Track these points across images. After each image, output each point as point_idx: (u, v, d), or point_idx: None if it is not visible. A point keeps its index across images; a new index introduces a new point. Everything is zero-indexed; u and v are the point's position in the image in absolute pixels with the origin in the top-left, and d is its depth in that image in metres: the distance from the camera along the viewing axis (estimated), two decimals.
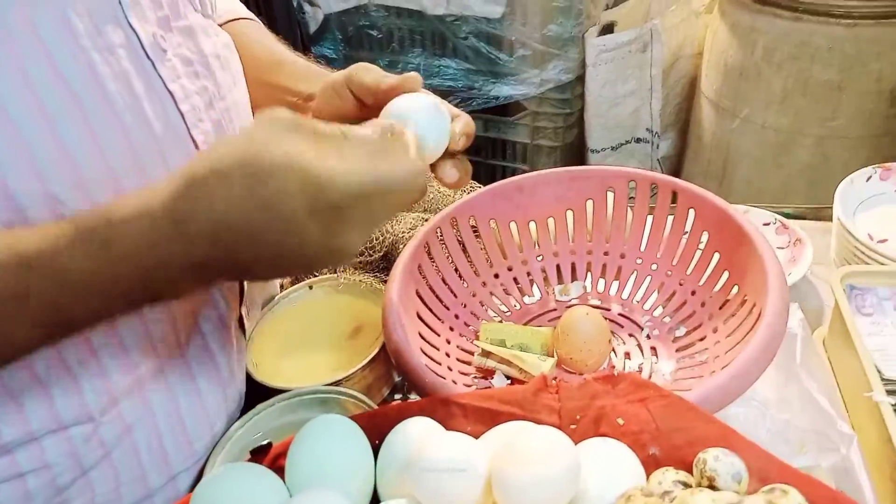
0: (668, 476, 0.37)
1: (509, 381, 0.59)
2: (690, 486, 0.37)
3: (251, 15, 0.71)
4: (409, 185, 0.39)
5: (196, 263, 0.37)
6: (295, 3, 1.73)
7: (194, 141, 0.48)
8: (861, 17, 1.29)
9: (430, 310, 0.63)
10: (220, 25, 0.66)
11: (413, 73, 0.50)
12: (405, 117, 0.45)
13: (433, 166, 0.50)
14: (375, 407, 0.53)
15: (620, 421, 0.42)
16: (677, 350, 0.61)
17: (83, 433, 0.48)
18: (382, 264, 0.71)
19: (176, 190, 0.36)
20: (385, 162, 0.39)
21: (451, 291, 0.66)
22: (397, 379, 0.64)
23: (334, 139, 0.39)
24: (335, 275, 0.70)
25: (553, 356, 0.61)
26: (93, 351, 0.46)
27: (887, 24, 1.29)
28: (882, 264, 0.63)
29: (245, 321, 0.62)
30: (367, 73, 0.52)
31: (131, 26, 0.44)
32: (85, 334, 0.44)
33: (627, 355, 0.62)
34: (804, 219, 0.81)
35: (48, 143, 0.39)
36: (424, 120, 0.47)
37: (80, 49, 0.41)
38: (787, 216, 0.78)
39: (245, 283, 0.60)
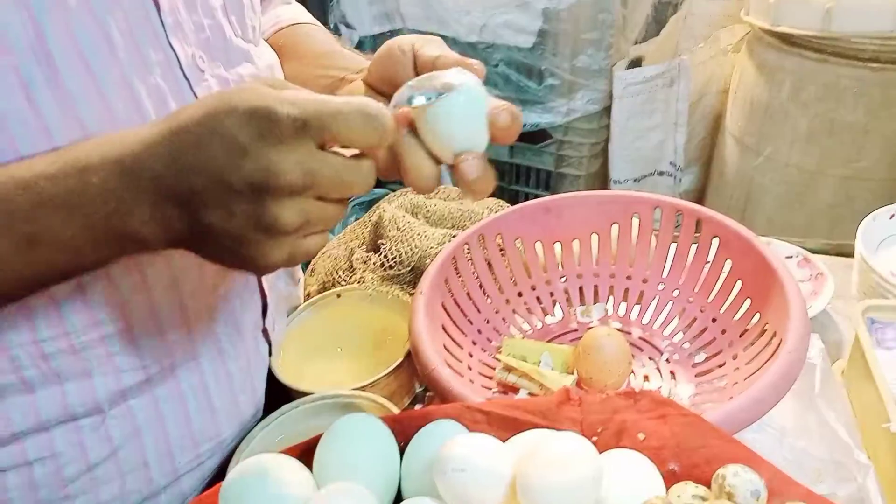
0: (687, 490, 0.38)
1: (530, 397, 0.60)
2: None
3: (315, 21, 0.72)
4: (356, 123, 0.37)
5: (155, 176, 0.37)
6: (331, 25, 1.78)
7: None
8: (888, 62, 1.30)
9: (455, 323, 0.64)
10: (283, 29, 0.69)
11: (475, 61, 0.47)
12: (436, 95, 0.41)
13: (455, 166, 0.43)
14: (399, 412, 0.55)
15: (641, 436, 0.43)
16: (696, 375, 0.62)
17: (92, 423, 0.49)
18: (409, 277, 0.72)
19: (158, 128, 0.37)
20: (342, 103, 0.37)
21: (476, 307, 0.67)
22: (418, 389, 0.66)
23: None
24: (363, 285, 0.72)
25: (573, 375, 0.62)
26: (108, 352, 0.48)
27: None
28: None
29: (270, 334, 0.63)
30: (432, 44, 0.50)
31: (172, 47, 0.47)
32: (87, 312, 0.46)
33: (647, 378, 0.63)
34: (826, 254, 0.81)
35: None
36: (457, 106, 0.41)
37: (118, 64, 0.43)
38: (810, 250, 0.79)
39: (267, 293, 0.61)
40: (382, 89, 0.52)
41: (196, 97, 0.48)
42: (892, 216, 0.76)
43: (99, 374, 0.48)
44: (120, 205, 0.37)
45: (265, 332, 0.62)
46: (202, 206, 0.37)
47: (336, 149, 0.38)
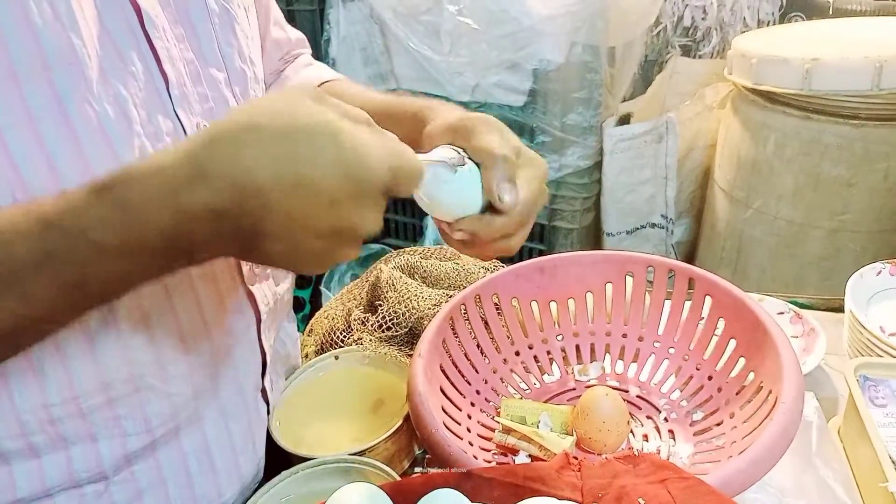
0: None
1: (530, 460, 0.60)
2: None
3: (340, 76, 0.74)
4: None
5: (213, 211, 0.35)
6: None
7: None
8: (868, 118, 1.34)
9: (453, 384, 0.65)
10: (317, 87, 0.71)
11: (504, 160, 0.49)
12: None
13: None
14: (398, 478, 0.55)
15: (641, 501, 0.43)
16: (695, 434, 0.62)
17: (95, 490, 0.49)
18: (407, 339, 0.73)
19: (199, 140, 0.36)
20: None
21: (474, 367, 0.68)
22: (418, 452, 0.66)
23: (359, 119, 0.39)
24: (360, 347, 0.72)
25: (572, 435, 0.62)
26: (115, 416, 0.49)
27: (892, 125, 1.34)
28: (894, 356, 0.64)
29: (269, 393, 0.63)
30: (485, 136, 0.50)
31: (178, 117, 0.49)
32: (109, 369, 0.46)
33: (646, 437, 0.63)
34: (817, 309, 0.83)
35: None
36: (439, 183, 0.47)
37: (135, 135, 0.45)
38: (801, 306, 0.80)
39: (266, 351, 0.61)
40: None
41: None
42: (879, 273, 0.77)
43: (105, 437, 0.48)
44: (176, 239, 0.36)
45: (264, 391, 0.62)
46: (265, 241, 0.37)
47: None
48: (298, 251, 0.37)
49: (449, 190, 0.48)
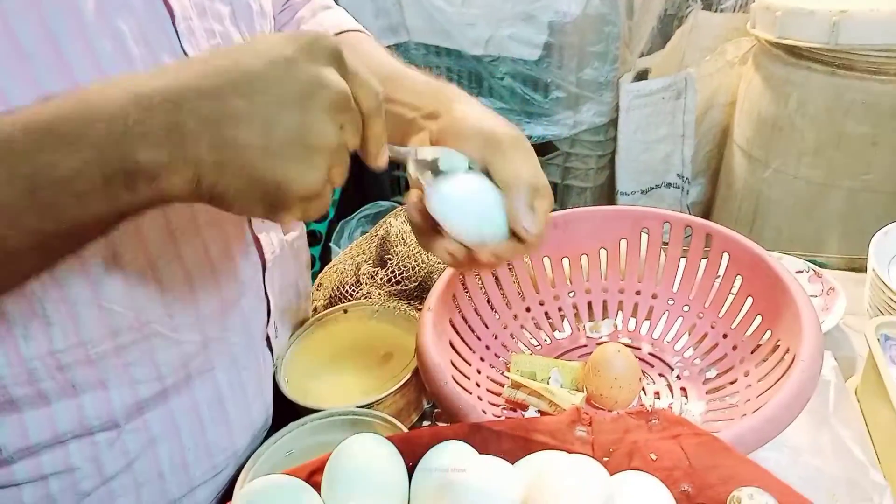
0: None
1: (540, 415, 0.60)
2: None
3: (359, 27, 0.68)
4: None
5: (172, 93, 0.33)
6: None
7: None
8: (895, 74, 1.30)
9: (463, 339, 0.64)
10: None
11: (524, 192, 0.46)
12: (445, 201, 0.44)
13: None
14: (406, 430, 0.54)
15: (653, 456, 0.42)
16: (707, 392, 0.61)
17: (108, 438, 0.49)
18: (417, 293, 0.72)
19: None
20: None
21: (484, 322, 0.67)
22: (426, 406, 0.65)
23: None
24: (369, 301, 0.71)
25: (583, 391, 0.61)
26: (125, 363, 0.48)
27: None
28: None
29: (272, 341, 0.63)
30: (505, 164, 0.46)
31: (185, 53, 0.47)
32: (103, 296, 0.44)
33: (657, 395, 0.62)
34: (836, 269, 0.81)
35: None
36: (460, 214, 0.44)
37: (132, 69, 0.43)
38: (820, 265, 0.78)
39: (271, 300, 0.60)
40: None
41: None
42: None
43: (115, 385, 0.48)
44: (130, 127, 0.33)
45: (268, 339, 0.62)
46: (234, 123, 0.34)
47: None
48: (272, 133, 0.34)
49: (477, 209, 0.45)
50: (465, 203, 0.45)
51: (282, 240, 0.62)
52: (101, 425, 0.49)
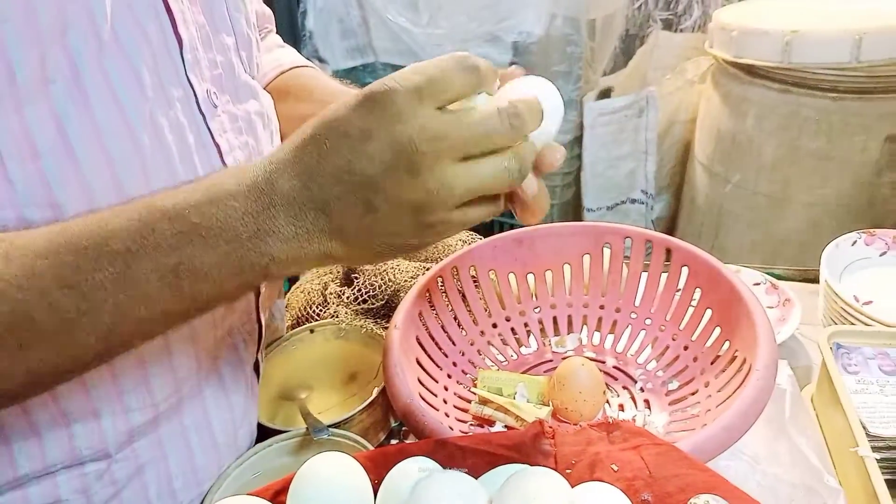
0: None
1: (506, 430, 0.60)
2: None
3: (311, 64, 0.75)
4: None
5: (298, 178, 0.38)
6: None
7: None
8: (846, 91, 1.35)
9: (430, 356, 0.64)
10: (286, 71, 0.70)
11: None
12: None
13: None
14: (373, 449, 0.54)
15: (615, 467, 0.43)
16: (670, 403, 0.62)
17: (97, 469, 0.48)
18: (384, 311, 0.72)
19: (294, 145, 0.39)
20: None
21: (451, 339, 0.67)
22: (394, 424, 0.65)
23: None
24: (337, 320, 0.71)
25: (549, 405, 0.62)
26: (119, 391, 0.47)
27: (871, 98, 1.35)
28: (867, 325, 0.65)
29: (260, 365, 0.63)
30: None
31: (190, 83, 0.47)
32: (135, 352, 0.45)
33: (621, 407, 0.63)
34: (793, 280, 0.83)
35: (107, 184, 0.41)
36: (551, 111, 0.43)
37: (146, 100, 0.44)
38: (777, 277, 0.80)
39: (263, 325, 0.61)
40: None
41: (210, 132, 0.49)
42: (854, 243, 0.78)
43: (107, 414, 0.47)
44: (260, 226, 0.38)
45: (256, 364, 0.62)
46: (339, 207, 0.38)
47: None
48: (375, 209, 0.38)
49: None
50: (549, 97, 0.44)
51: None
52: (92, 455, 0.48)
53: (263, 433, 0.60)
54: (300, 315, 0.76)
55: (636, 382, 0.66)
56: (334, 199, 0.38)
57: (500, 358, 0.70)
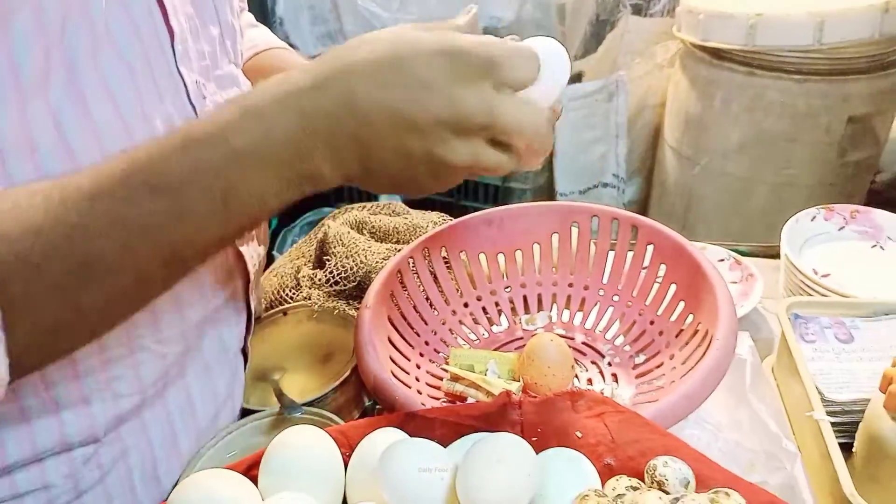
0: (621, 482, 0.40)
1: None
2: None
3: (286, 45, 0.75)
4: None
5: (330, 114, 0.38)
6: None
7: None
8: (810, 73, 1.38)
9: (402, 335, 0.65)
10: (261, 52, 0.71)
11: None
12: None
13: None
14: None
15: (579, 434, 0.44)
16: (637, 377, 0.64)
17: (85, 454, 0.48)
18: (356, 293, 0.73)
19: (322, 61, 0.39)
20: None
21: (422, 319, 0.68)
22: (368, 403, 0.66)
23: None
24: (310, 302, 0.72)
25: (519, 381, 0.63)
26: (109, 378, 0.48)
27: (833, 80, 1.38)
28: (825, 296, 0.67)
29: (248, 349, 0.63)
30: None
31: (180, 74, 0.48)
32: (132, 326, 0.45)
33: (590, 381, 0.65)
34: (756, 256, 0.85)
35: None
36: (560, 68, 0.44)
37: (137, 90, 0.44)
38: (741, 253, 0.82)
39: (252, 311, 0.61)
40: None
41: None
42: (814, 218, 0.80)
43: (98, 400, 0.47)
44: (301, 147, 0.38)
45: (244, 349, 0.62)
46: (378, 144, 0.39)
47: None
48: (409, 155, 0.39)
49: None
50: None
51: (259, 253, 0.63)
52: (81, 441, 0.48)
53: (241, 414, 0.60)
54: (274, 298, 0.76)
55: (604, 357, 0.67)
56: (375, 133, 0.39)
57: (472, 337, 0.71)
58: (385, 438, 0.42)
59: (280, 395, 0.57)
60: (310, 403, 0.59)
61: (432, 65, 0.38)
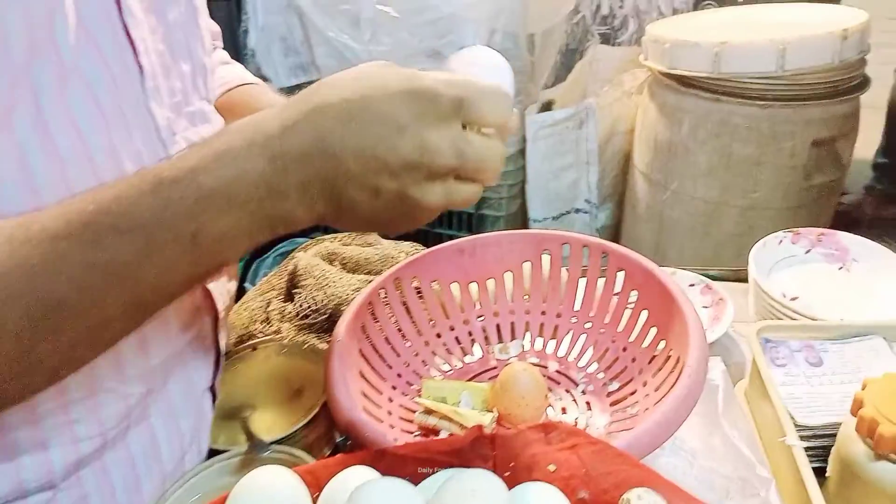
0: None
1: None
2: None
3: (258, 81, 0.76)
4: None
5: (303, 154, 0.38)
6: None
7: None
8: (773, 99, 1.41)
9: (373, 368, 0.64)
10: (233, 89, 0.71)
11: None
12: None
13: None
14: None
15: (552, 467, 0.44)
16: (611, 404, 0.63)
17: (41, 500, 0.47)
18: (326, 326, 0.72)
19: (291, 103, 0.40)
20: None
21: (394, 350, 0.67)
22: (339, 439, 0.65)
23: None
24: (279, 336, 0.71)
25: (493, 412, 0.62)
26: (69, 420, 0.46)
27: (796, 105, 1.41)
28: (793, 319, 0.68)
29: (217, 391, 0.62)
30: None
31: (150, 110, 0.47)
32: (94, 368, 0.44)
33: (564, 410, 0.64)
34: (726, 280, 0.86)
35: None
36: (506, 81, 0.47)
37: (105, 126, 0.43)
38: (711, 277, 0.83)
39: (221, 350, 0.60)
40: None
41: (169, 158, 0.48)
42: (781, 242, 0.81)
43: (56, 444, 0.46)
44: (273, 188, 0.38)
45: (212, 388, 0.61)
46: (350, 184, 0.39)
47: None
48: (379, 195, 0.40)
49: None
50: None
51: (228, 289, 0.62)
52: (38, 487, 0.46)
53: (207, 454, 0.59)
54: (243, 333, 0.75)
55: (578, 385, 0.67)
56: (346, 174, 0.39)
57: (446, 367, 0.70)
58: (355, 477, 0.41)
59: (248, 433, 0.56)
60: (279, 441, 0.57)
61: (402, 105, 0.38)
